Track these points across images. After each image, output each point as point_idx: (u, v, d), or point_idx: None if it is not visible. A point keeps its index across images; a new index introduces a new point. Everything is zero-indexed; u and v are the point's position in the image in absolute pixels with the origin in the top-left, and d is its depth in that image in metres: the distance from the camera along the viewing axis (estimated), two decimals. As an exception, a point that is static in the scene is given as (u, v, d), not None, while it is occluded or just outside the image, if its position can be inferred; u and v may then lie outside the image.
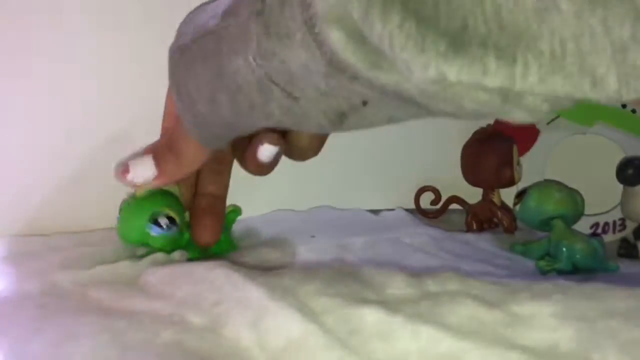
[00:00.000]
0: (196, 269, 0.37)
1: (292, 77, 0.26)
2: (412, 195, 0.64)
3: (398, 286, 0.35)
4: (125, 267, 0.39)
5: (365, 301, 0.33)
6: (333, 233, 0.51)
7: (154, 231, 0.41)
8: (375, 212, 0.61)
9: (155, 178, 0.36)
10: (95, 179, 0.47)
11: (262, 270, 0.38)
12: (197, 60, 0.30)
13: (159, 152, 0.36)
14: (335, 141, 0.59)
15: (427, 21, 0.21)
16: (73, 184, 0.50)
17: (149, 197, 0.40)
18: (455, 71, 0.21)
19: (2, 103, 0.48)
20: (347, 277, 0.37)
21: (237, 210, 0.47)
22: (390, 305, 0.32)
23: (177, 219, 0.41)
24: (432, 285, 0.35)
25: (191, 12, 0.34)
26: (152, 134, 0.38)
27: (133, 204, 0.41)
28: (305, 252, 0.45)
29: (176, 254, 0.41)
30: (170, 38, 0.34)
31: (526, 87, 0.21)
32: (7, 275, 0.37)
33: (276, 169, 0.53)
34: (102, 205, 0.43)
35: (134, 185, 0.37)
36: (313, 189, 0.60)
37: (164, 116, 0.39)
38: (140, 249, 0.42)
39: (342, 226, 0.54)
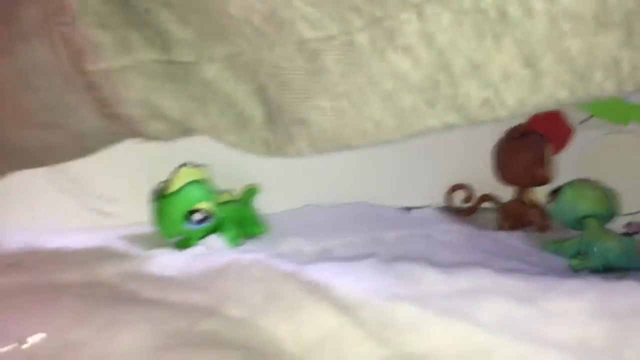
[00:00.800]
0: (234, 263, 0.38)
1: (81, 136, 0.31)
2: (444, 193, 0.64)
3: (430, 282, 0.36)
4: (163, 258, 0.41)
5: (397, 296, 0.33)
6: (365, 228, 0.51)
7: (190, 227, 0.42)
8: (407, 209, 0.61)
9: None
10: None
11: (296, 264, 0.39)
12: None
13: None
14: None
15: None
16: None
17: (183, 192, 0.42)
18: (272, 139, 0.26)
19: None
20: (380, 273, 0.37)
21: (254, 189, 0.50)
22: (422, 300, 0.33)
23: (211, 210, 0.43)
24: (464, 282, 0.36)
25: None
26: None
27: (167, 200, 0.42)
28: (338, 247, 0.46)
29: (212, 239, 0.43)
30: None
31: (327, 140, 0.25)
32: (51, 266, 0.39)
33: (307, 163, 0.54)
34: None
35: None
36: (345, 185, 0.60)
37: None
38: (177, 240, 0.44)
39: (374, 222, 0.54)
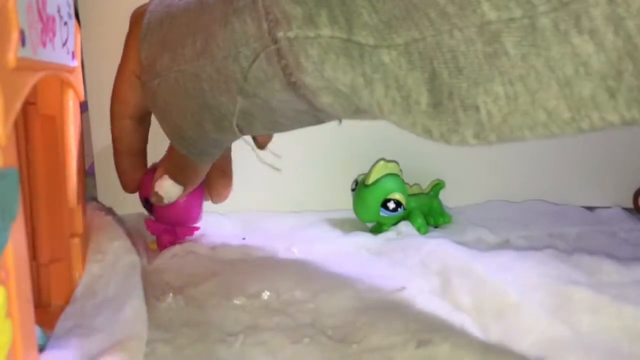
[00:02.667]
0: (420, 246, 0.43)
1: (272, 109, 0.32)
2: (631, 194, 0.63)
3: (607, 272, 0.38)
4: (359, 239, 0.47)
5: (574, 282, 0.36)
6: (546, 224, 0.54)
7: (385, 214, 0.49)
8: (590, 208, 0.62)
9: (183, 191, 0.40)
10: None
11: (478, 250, 0.43)
12: (178, 95, 0.34)
13: (171, 172, 0.39)
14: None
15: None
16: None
17: (380, 183, 0.48)
18: (436, 126, 0.25)
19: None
20: (558, 261, 0.40)
21: (440, 183, 0.54)
22: (597, 287, 0.35)
23: (403, 201, 0.49)
24: (640, 274, 0.38)
25: None
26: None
27: (366, 189, 0.49)
28: (519, 238, 0.49)
29: (402, 225, 0.49)
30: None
31: (494, 129, 0.24)
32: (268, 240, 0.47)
33: (491, 160, 0.57)
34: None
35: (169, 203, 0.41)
36: (528, 183, 0.62)
37: None
38: (372, 226, 0.51)
39: (555, 218, 0.56)
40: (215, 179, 0.44)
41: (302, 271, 0.40)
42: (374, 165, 0.49)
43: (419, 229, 0.49)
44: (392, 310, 0.35)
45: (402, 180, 0.50)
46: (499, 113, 0.23)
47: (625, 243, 0.50)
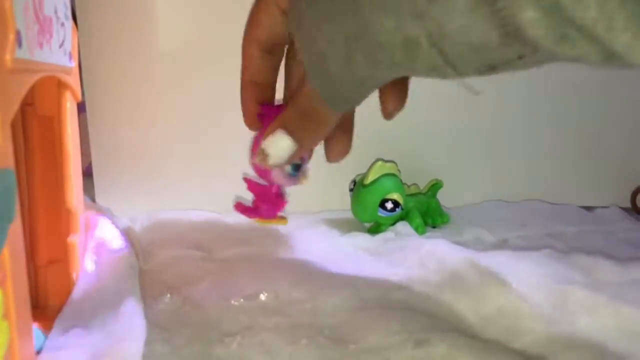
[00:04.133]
0: (419, 246, 0.43)
1: (444, 38, 0.26)
2: (628, 194, 0.64)
3: (604, 272, 0.38)
4: (358, 239, 0.47)
5: (571, 281, 0.36)
6: (544, 223, 0.54)
7: (383, 214, 0.49)
8: (588, 208, 0.62)
9: (296, 151, 0.33)
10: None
11: (475, 250, 0.43)
12: (330, 16, 0.29)
13: (291, 123, 0.33)
14: (549, 138, 0.62)
15: None
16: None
17: (378, 183, 0.48)
18: None
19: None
20: (555, 261, 0.40)
21: (438, 184, 0.54)
22: (595, 287, 0.36)
23: (401, 201, 0.49)
24: (638, 273, 0.38)
25: None
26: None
27: (364, 190, 0.49)
28: (516, 238, 0.49)
29: (400, 226, 0.49)
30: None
31: None
32: (269, 241, 0.47)
33: (489, 160, 0.57)
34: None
35: (275, 165, 0.34)
36: (526, 182, 0.62)
37: (286, 83, 0.36)
38: (369, 224, 0.51)
39: (553, 218, 0.56)
40: (336, 134, 0.36)
41: (300, 271, 0.40)
42: (371, 166, 0.49)
43: (416, 229, 0.50)
44: (389, 311, 0.35)
45: (400, 180, 0.50)
46: None
47: (623, 242, 0.51)
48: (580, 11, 0.22)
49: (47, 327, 0.29)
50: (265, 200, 0.38)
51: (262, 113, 0.36)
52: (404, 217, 0.50)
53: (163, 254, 0.42)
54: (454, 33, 0.25)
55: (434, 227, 0.53)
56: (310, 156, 0.36)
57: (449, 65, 0.27)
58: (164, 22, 0.50)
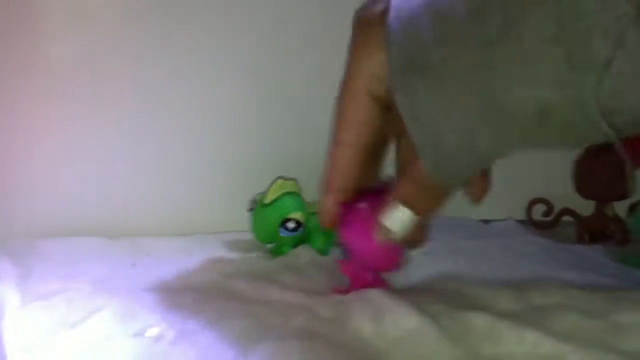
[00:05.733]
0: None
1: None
2: (524, 207, 0.65)
3: (504, 302, 0.38)
4: (260, 262, 0.45)
5: (474, 309, 0.36)
6: (444, 238, 0.54)
7: (284, 234, 0.47)
8: (485, 221, 0.63)
9: (419, 222, 0.34)
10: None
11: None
12: (449, 82, 0.27)
13: (411, 197, 0.33)
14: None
15: None
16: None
17: (278, 202, 0.46)
18: None
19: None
20: (456, 295, 0.40)
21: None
22: (497, 313, 0.35)
23: (303, 221, 0.47)
24: (536, 298, 0.38)
25: None
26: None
27: (264, 209, 0.47)
28: (419, 254, 0.48)
29: (300, 250, 0.47)
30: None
31: None
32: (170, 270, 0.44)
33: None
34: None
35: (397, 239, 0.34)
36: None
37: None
38: (271, 245, 0.49)
39: (452, 232, 0.57)
40: (473, 179, 0.35)
41: (191, 302, 0.37)
42: (271, 184, 0.47)
43: (318, 251, 0.48)
44: (293, 339, 0.33)
45: (302, 199, 0.48)
46: None
47: (519, 256, 0.52)
48: None
49: None
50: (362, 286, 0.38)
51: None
52: (305, 238, 0.48)
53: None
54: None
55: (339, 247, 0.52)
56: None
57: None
58: None
